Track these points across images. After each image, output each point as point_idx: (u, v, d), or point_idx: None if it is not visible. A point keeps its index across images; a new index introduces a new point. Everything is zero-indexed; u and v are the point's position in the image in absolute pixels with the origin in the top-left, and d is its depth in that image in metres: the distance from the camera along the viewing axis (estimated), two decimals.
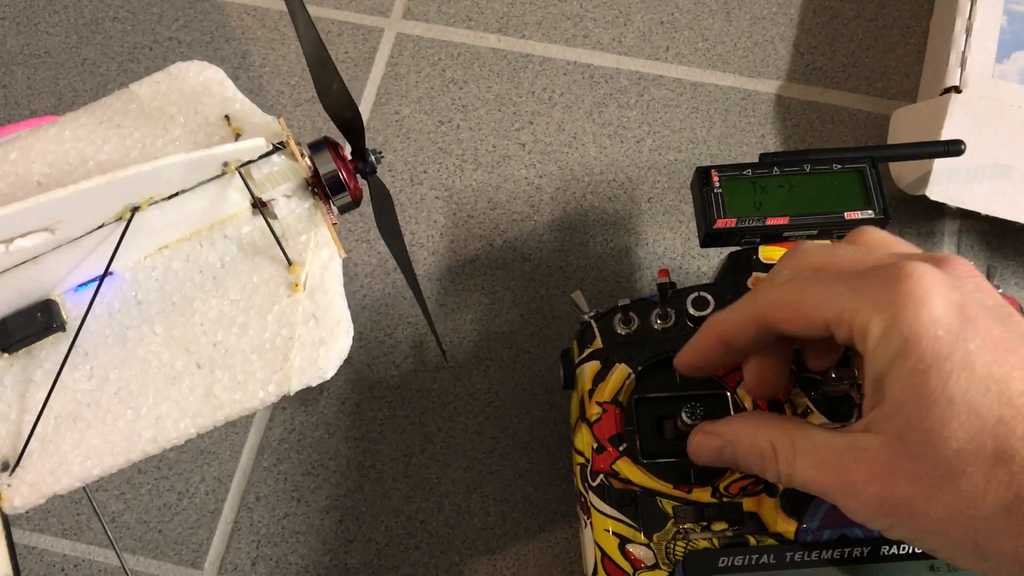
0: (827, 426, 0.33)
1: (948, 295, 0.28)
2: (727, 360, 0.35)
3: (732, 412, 0.38)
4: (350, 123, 0.38)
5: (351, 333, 0.36)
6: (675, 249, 0.52)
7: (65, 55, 0.58)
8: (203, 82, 0.39)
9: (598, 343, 0.41)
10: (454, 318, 0.51)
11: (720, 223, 0.41)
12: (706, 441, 0.35)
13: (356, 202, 0.39)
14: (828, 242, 0.39)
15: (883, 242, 0.34)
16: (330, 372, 0.35)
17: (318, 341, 0.35)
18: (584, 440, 0.39)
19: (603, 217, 0.53)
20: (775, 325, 0.32)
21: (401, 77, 0.57)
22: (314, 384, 0.35)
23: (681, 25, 0.58)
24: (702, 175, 0.42)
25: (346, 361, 0.50)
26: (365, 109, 0.56)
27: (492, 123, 0.55)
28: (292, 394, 0.35)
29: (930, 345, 0.28)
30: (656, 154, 0.54)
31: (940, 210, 0.51)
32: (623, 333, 0.41)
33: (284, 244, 0.36)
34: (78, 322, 0.35)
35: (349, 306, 0.51)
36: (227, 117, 0.38)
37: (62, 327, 0.35)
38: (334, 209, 0.38)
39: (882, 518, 0.30)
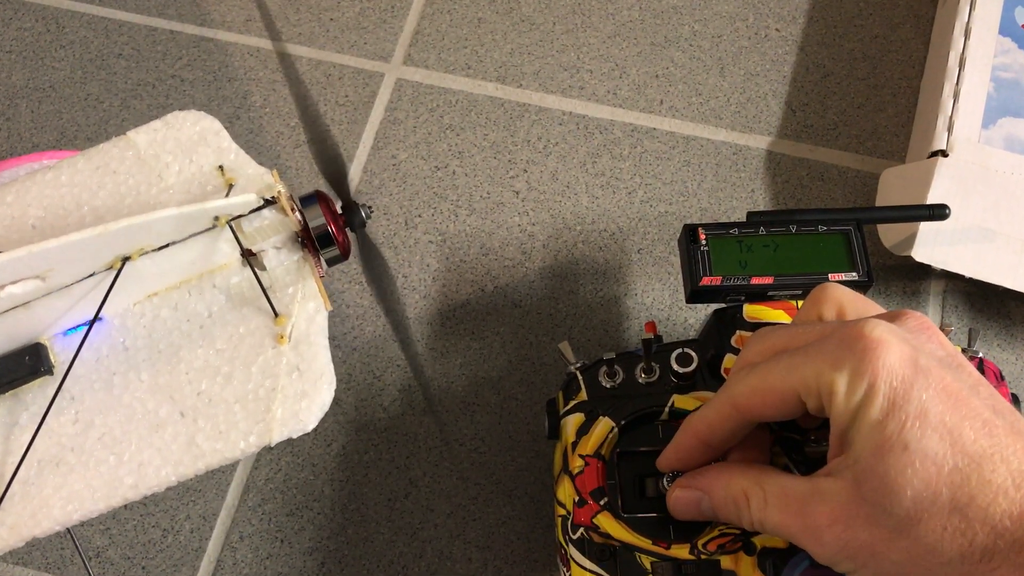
0: (795, 474, 0.33)
1: (900, 348, 0.30)
2: (708, 458, 0.36)
3: None
4: (338, 178, 0.39)
5: (333, 386, 0.36)
6: (663, 300, 0.53)
7: (69, 90, 0.59)
8: (199, 132, 0.39)
9: (583, 395, 0.42)
10: (443, 362, 0.51)
11: (706, 281, 0.41)
12: (684, 495, 0.36)
13: (344, 255, 0.39)
14: (787, 321, 0.40)
15: (843, 300, 0.35)
16: (311, 425, 0.36)
17: (300, 394, 0.36)
18: (566, 492, 0.39)
19: (593, 266, 0.54)
20: (750, 414, 0.33)
21: (399, 122, 0.58)
22: (295, 436, 0.36)
23: (676, 79, 0.59)
24: (689, 232, 0.42)
25: (334, 403, 0.50)
26: (363, 152, 0.57)
27: (487, 170, 0.56)
28: (272, 445, 0.35)
29: (887, 395, 0.29)
30: (647, 206, 0.55)
31: (926, 271, 0.52)
32: (608, 386, 0.41)
33: (271, 296, 0.36)
34: (66, 366, 0.35)
35: (339, 347, 0.52)
36: (221, 167, 0.39)
37: (50, 371, 0.36)
38: (322, 262, 0.39)
39: (845, 561, 0.30)
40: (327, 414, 0.50)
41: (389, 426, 0.50)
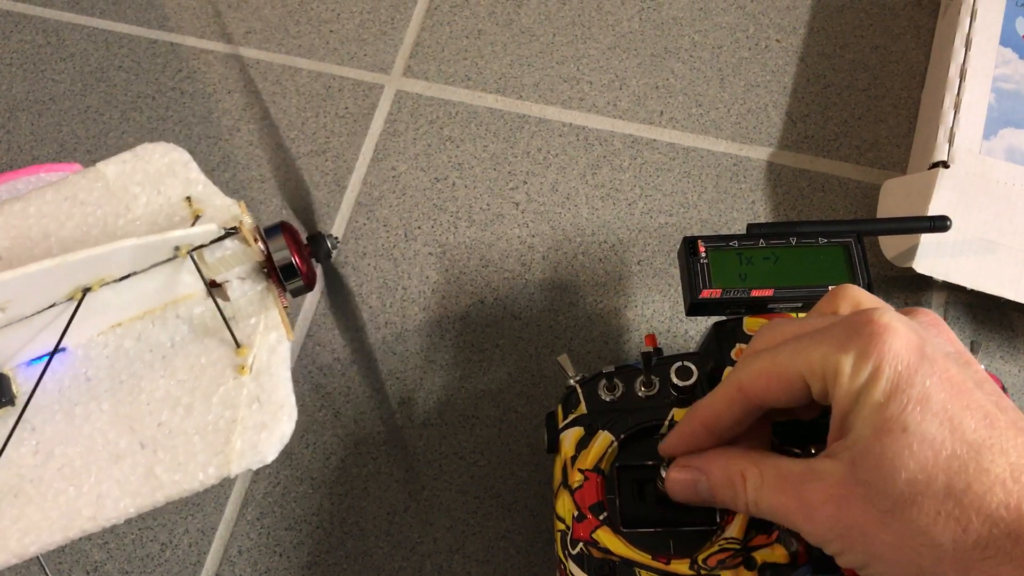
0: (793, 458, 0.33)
1: (908, 335, 0.30)
2: (711, 446, 0.36)
3: None
4: (304, 208, 0.39)
5: (294, 418, 0.36)
6: (663, 312, 0.52)
7: (69, 102, 0.59)
8: (168, 163, 0.39)
9: (582, 408, 0.41)
10: (442, 375, 0.51)
11: (705, 293, 0.41)
12: (681, 476, 0.36)
13: (309, 286, 0.39)
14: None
15: (861, 299, 0.34)
16: (270, 457, 0.35)
17: (260, 425, 0.35)
18: (565, 507, 0.39)
19: (593, 278, 0.53)
20: (756, 398, 0.33)
21: (399, 134, 0.58)
22: (254, 468, 0.35)
23: (676, 90, 0.59)
24: (689, 245, 0.42)
25: (334, 415, 0.50)
26: (363, 164, 0.57)
27: (487, 181, 0.56)
28: (232, 477, 0.35)
29: (891, 378, 0.29)
30: (647, 217, 0.55)
31: (927, 282, 0.51)
32: (607, 399, 0.41)
33: (234, 326, 0.36)
34: (27, 397, 0.35)
35: (338, 360, 0.52)
36: (189, 198, 0.39)
37: (11, 401, 0.35)
38: (287, 293, 0.39)
39: (835, 540, 0.30)
40: (325, 427, 0.50)
41: (388, 439, 0.50)
